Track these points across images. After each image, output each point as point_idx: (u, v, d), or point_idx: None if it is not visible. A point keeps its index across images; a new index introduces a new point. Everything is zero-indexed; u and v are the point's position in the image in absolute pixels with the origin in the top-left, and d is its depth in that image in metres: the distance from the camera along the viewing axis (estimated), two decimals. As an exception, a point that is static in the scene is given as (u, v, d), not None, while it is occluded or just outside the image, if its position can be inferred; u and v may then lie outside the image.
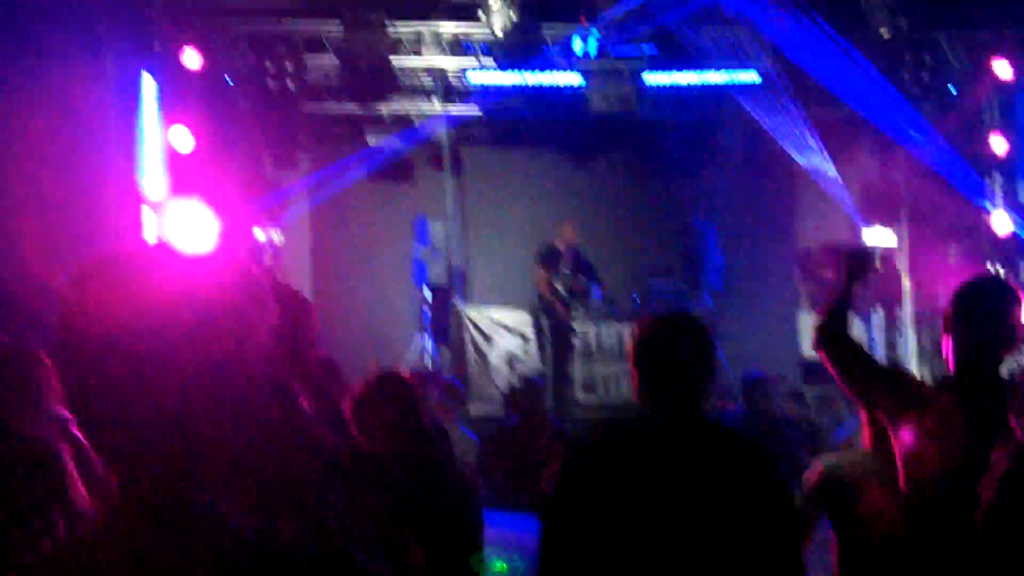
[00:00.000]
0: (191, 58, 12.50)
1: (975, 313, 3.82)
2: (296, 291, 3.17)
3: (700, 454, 3.39)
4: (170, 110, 12.39)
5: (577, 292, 13.64)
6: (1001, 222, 13.56)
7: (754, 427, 8.71)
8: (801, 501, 4.25)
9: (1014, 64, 13.53)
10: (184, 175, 12.27)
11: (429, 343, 14.33)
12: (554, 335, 13.56)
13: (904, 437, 3.77)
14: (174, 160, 12.32)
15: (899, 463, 3.79)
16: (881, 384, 3.96)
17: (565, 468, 3.47)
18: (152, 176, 12.03)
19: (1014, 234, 13.49)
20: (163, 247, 1.54)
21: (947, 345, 3.86)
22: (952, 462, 3.64)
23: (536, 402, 9.32)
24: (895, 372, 4.49)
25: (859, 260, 4.23)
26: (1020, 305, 3.82)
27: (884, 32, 13.22)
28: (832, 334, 4.05)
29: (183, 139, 12.29)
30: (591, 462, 3.46)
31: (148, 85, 12.23)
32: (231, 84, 13.55)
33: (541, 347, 13.80)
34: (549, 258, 13.65)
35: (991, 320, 3.80)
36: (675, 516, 3.31)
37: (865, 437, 4.33)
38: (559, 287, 13.52)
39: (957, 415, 3.69)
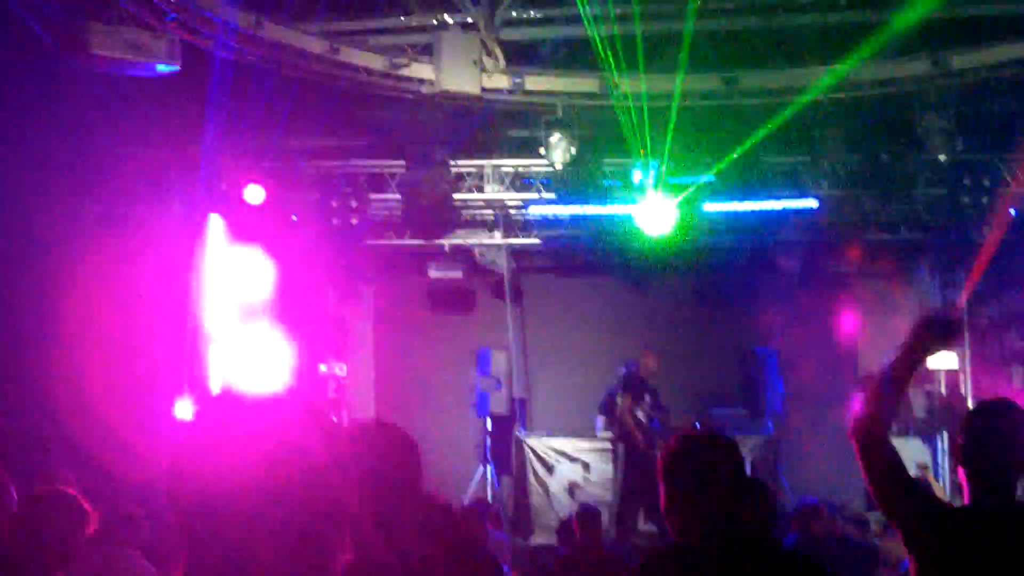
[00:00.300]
0: (254, 194, 12.78)
1: (985, 440, 3.68)
2: (401, 432, 3.22)
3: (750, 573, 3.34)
4: (236, 246, 12.63)
5: (653, 421, 13.56)
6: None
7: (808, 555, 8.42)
8: None
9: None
10: (250, 310, 12.46)
11: (491, 473, 14.34)
12: (628, 463, 13.46)
13: (923, 559, 3.62)
14: (240, 295, 12.52)
15: None
16: (907, 497, 3.70)
17: None
18: (218, 313, 12.24)
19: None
20: (230, 397, 1.65)
21: (961, 475, 3.73)
22: None
23: (592, 530, 9.17)
24: (924, 490, 4.18)
25: (944, 327, 3.75)
26: None
27: (942, 156, 13.22)
28: (873, 426, 3.70)
29: (248, 276, 12.51)
30: None
31: (215, 223, 12.52)
32: (295, 220, 13.81)
33: (615, 472, 13.75)
34: (633, 386, 13.59)
35: (1002, 446, 3.66)
36: None
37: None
38: (641, 416, 13.47)
39: (979, 545, 3.55)
